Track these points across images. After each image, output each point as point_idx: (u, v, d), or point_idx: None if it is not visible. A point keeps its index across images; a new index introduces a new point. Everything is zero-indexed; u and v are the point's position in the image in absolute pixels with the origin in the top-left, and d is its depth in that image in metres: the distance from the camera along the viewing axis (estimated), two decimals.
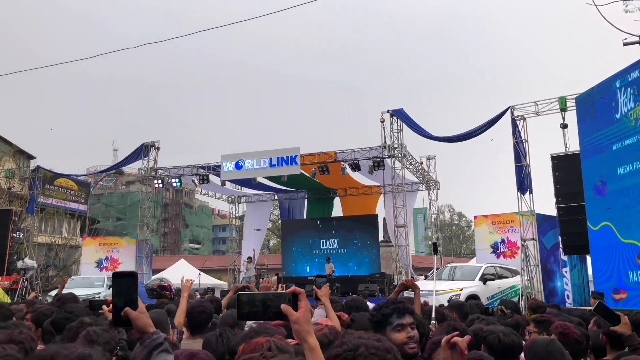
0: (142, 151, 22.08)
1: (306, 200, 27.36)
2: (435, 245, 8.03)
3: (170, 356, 1.89)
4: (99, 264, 22.14)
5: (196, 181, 22.30)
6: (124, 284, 1.90)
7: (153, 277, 24.43)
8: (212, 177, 22.23)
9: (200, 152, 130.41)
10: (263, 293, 1.63)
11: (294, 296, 1.58)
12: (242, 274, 22.85)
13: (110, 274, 20.77)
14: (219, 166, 21.02)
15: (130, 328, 1.86)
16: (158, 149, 22.30)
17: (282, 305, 1.56)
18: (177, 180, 22.28)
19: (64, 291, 9.53)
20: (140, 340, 1.88)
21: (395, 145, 19.18)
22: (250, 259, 22.62)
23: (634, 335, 3.05)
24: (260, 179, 22.45)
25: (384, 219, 26.02)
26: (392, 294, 5.05)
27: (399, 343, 2.51)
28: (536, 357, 2.43)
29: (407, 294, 6.37)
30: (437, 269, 19.73)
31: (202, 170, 21.97)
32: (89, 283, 18.73)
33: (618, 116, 10.58)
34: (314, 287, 4.52)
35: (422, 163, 23.20)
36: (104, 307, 4.68)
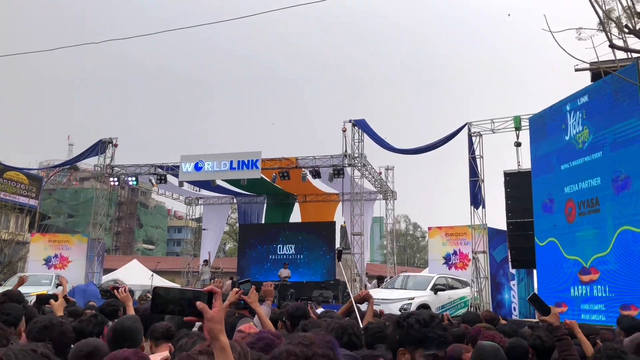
0: (99, 147, 21.52)
1: (265, 204, 27.26)
2: (339, 251, 7.36)
3: None
4: (47, 261, 21.37)
5: (153, 180, 21.90)
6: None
7: (106, 278, 23.79)
8: (170, 177, 21.90)
9: (159, 152, 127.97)
10: (180, 289, 1.65)
11: (211, 295, 1.60)
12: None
13: (58, 272, 20.10)
14: (177, 166, 20.71)
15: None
16: (116, 146, 21.79)
17: (198, 303, 1.57)
18: (133, 178, 21.80)
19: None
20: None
21: (356, 155, 19.37)
22: (206, 262, 22.34)
23: (561, 326, 3.23)
24: (220, 182, 22.18)
25: (342, 226, 26.21)
26: (341, 310, 4.90)
27: None
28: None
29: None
30: (390, 277, 20.00)
31: (160, 170, 21.59)
32: (36, 281, 18.02)
33: (567, 138, 11.05)
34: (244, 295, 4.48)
35: (380, 173, 23.53)
36: (52, 301, 4.55)
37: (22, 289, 8.78)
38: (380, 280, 20.47)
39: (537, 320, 8.14)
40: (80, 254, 21.28)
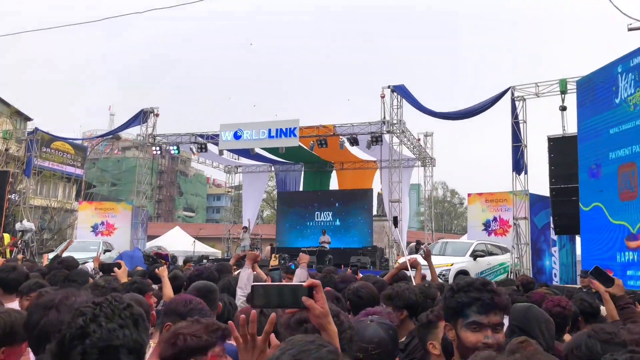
0: (140, 117, 22.00)
1: (303, 172, 27.47)
2: (395, 218, 7.81)
3: None
4: (94, 228, 22.27)
5: (194, 149, 22.32)
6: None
7: (150, 244, 24.68)
8: (210, 146, 22.25)
9: (199, 122, 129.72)
10: (277, 285, 1.69)
11: (310, 290, 1.61)
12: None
13: (105, 238, 20.97)
14: (217, 135, 21.01)
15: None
16: (157, 115, 22.21)
17: (304, 299, 1.60)
18: (175, 147, 22.28)
19: (65, 254, 9.62)
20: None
21: (394, 121, 19.22)
22: (245, 229, 22.81)
23: (624, 295, 3.26)
24: (258, 150, 22.47)
25: (379, 193, 26.24)
26: (388, 275, 5.11)
27: (469, 346, 1.89)
28: (514, 322, 2.48)
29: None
30: (428, 244, 20.04)
31: (200, 139, 21.96)
32: (85, 247, 18.87)
33: (617, 101, 10.67)
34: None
35: (419, 140, 23.28)
36: (115, 269, 4.85)
37: (74, 255, 9.27)
38: (418, 245, 20.50)
39: (581, 286, 8.04)
40: (125, 221, 22.07)
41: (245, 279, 4.26)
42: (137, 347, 1.39)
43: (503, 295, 1.99)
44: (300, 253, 5.25)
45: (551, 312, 2.98)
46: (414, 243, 20.71)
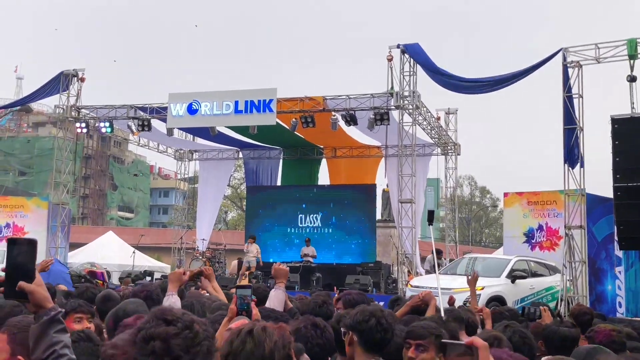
0: (60, 82, 21.74)
1: (281, 160, 27.46)
2: (431, 213, 7.91)
3: (66, 335, 2.30)
4: None
5: (133, 127, 22.13)
6: (21, 252, 2.28)
7: (74, 255, 24.46)
8: (155, 123, 22.12)
9: (141, 90, 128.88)
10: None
11: None
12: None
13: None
14: (165, 109, 20.89)
15: (26, 302, 2.26)
16: (83, 80, 21.99)
17: None
18: (106, 124, 22.10)
19: None
20: (36, 316, 2.27)
21: (406, 93, 19.17)
22: (253, 239, 22.00)
23: None
24: (221, 129, 22.36)
25: (384, 191, 26.27)
26: (401, 310, 5.36)
27: None
28: None
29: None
30: (450, 260, 20.09)
31: (142, 113, 21.80)
32: None
33: None
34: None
35: (439, 118, 23.32)
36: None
37: None
38: (438, 255, 20.55)
39: None
40: (40, 224, 21.84)
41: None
42: None
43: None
44: (274, 266, 5.14)
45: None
46: (431, 255, 20.75)
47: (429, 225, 7.70)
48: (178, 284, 4.57)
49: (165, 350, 1.96)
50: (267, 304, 4.68)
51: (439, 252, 20.74)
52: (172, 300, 4.30)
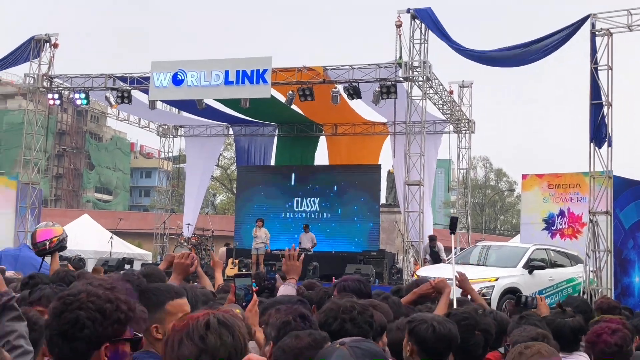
0: (30, 48, 21.67)
1: (276, 138, 27.45)
2: (454, 221, 8.13)
3: (22, 324, 2.34)
4: None
5: (112, 99, 22.11)
6: None
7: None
8: (136, 95, 22.12)
9: (121, 59, 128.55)
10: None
11: None
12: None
13: None
14: (147, 79, 20.84)
15: None
16: (56, 46, 21.92)
17: None
18: (82, 95, 22.04)
19: None
20: None
21: (416, 64, 19.10)
22: (262, 222, 21.93)
23: None
24: (209, 102, 22.31)
25: (389, 172, 26.25)
26: (407, 298, 5.40)
27: None
28: None
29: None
30: (460, 249, 20.12)
31: (121, 83, 21.80)
32: None
33: None
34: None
35: (452, 92, 23.24)
36: None
37: None
38: (432, 243, 20.63)
39: None
40: (7, 205, 21.85)
41: None
42: None
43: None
44: (286, 261, 5.04)
45: None
46: (426, 242, 20.75)
47: (450, 233, 7.83)
48: (183, 275, 4.50)
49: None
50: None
51: (433, 239, 20.82)
52: None
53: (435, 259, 20.17)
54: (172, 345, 2.08)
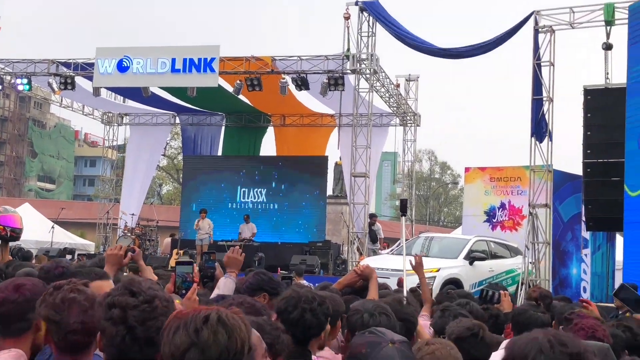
0: None
1: (223, 128, 27.31)
2: (404, 202, 8.28)
3: None
4: None
5: (55, 85, 21.71)
6: None
7: None
8: (80, 81, 21.76)
9: (64, 43, 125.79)
10: None
11: None
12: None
13: None
14: (91, 65, 20.55)
15: None
16: None
17: None
18: (24, 81, 21.58)
19: None
20: None
21: (364, 56, 19.17)
22: (205, 212, 21.69)
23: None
24: (155, 90, 22.05)
25: (336, 164, 26.31)
26: (339, 282, 5.37)
27: None
28: None
29: None
30: (406, 239, 20.25)
31: (65, 69, 21.44)
32: None
33: None
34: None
35: (398, 86, 23.38)
36: None
37: None
38: (372, 219, 20.82)
39: (616, 306, 8.31)
40: None
41: None
42: None
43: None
44: (228, 254, 4.93)
45: None
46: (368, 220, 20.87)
47: (401, 215, 7.90)
48: (117, 267, 4.37)
49: (122, 319, 2.28)
50: (214, 294, 4.52)
51: (372, 216, 21.01)
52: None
53: (373, 237, 20.37)
54: (169, 331, 2.06)
